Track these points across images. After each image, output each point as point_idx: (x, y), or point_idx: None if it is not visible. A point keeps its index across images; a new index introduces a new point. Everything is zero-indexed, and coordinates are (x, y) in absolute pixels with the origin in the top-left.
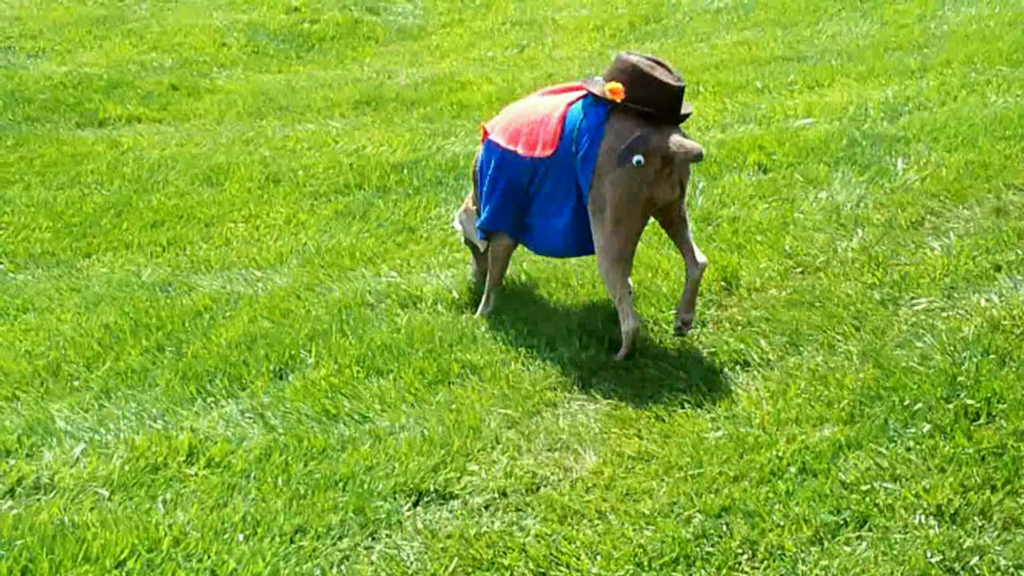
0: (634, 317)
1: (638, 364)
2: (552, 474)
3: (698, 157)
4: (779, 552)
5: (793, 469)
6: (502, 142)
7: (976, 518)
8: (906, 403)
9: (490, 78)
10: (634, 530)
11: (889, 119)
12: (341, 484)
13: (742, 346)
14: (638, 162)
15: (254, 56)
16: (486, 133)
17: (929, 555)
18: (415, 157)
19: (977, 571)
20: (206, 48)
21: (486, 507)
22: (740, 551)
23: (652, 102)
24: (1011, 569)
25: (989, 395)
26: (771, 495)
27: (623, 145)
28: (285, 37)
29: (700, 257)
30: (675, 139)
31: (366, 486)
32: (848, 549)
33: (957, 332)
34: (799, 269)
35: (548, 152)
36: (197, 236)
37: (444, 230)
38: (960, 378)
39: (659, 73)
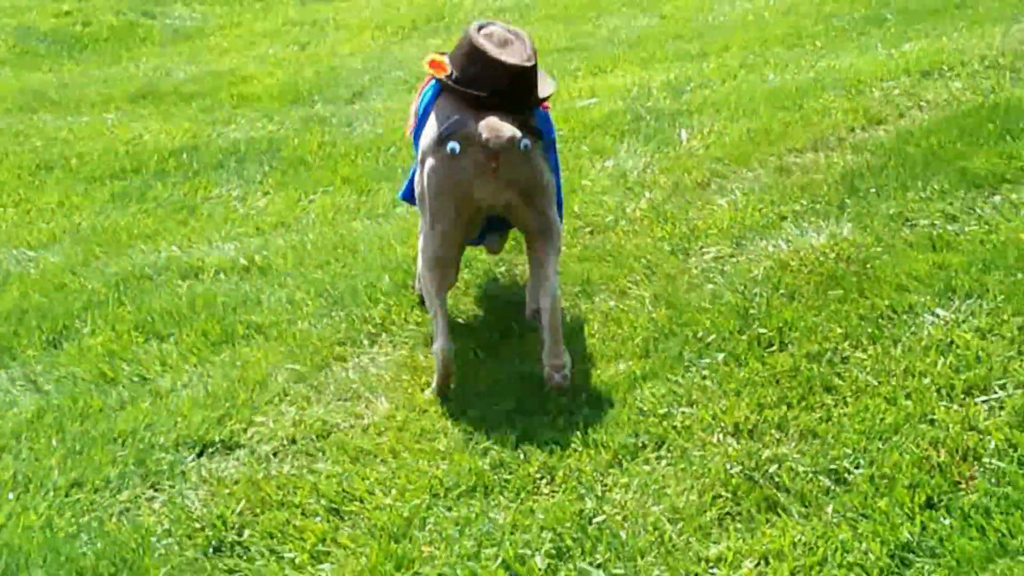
0: (445, 337)
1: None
2: (343, 421)
3: (508, 141)
4: (578, 474)
5: (588, 400)
6: None
7: (773, 432)
8: (699, 336)
9: (272, 72)
10: (429, 464)
11: (672, 97)
12: (120, 440)
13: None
14: (452, 150)
15: (23, 56)
16: None
17: (728, 467)
18: (194, 143)
19: (776, 478)
20: None
21: (274, 454)
22: (538, 476)
23: (482, 83)
24: (809, 474)
25: (781, 324)
26: (568, 425)
27: (439, 129)
28: (56, 39)
29: (551, 283)
30: (489, 122)
31: (147, 441)
32: (647, 468)
33: (747, 273)
34: (588, 229)
35: (408, 129)
36: None
37: (227, 207)
38: (752, 311)
39: (496, 50)
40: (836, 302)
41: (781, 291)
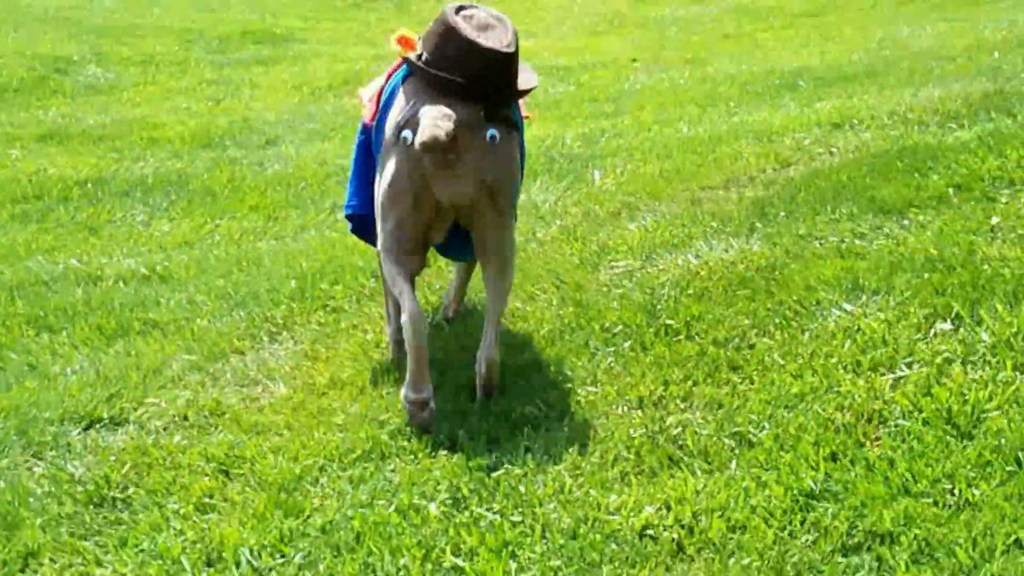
0: (411, 303)
1: (336, 315)
2: (239, 402)
3: (434, 141)
4: (479, 439)
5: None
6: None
7: (678, 402)
8: (606, 327)
9: (184, 121)
10: (325, 434)
11: (586, 145)
12: (2, 415)
13: (440, 300)
14: (405, 140)
15: None
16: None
17: (632, 432)
18: (100, 175)
19: (680, 440)
20: None
21: (165, 428)
22: (438, 442)
23: (454, 67)
24: (714, 436)
25: (688, 318)
26: (470, 402)
27: (397, 118)
28: None
29: (490, 349)
30: (430, 112)
31: (31, 415)
32: (549, 434)
33: (655, 280)
34: None
35: (370, 117)
36: None
37: (131, 229)
38: (659, 308)
39: (474, 32)
40: (744, 300)
41: (690, 292)
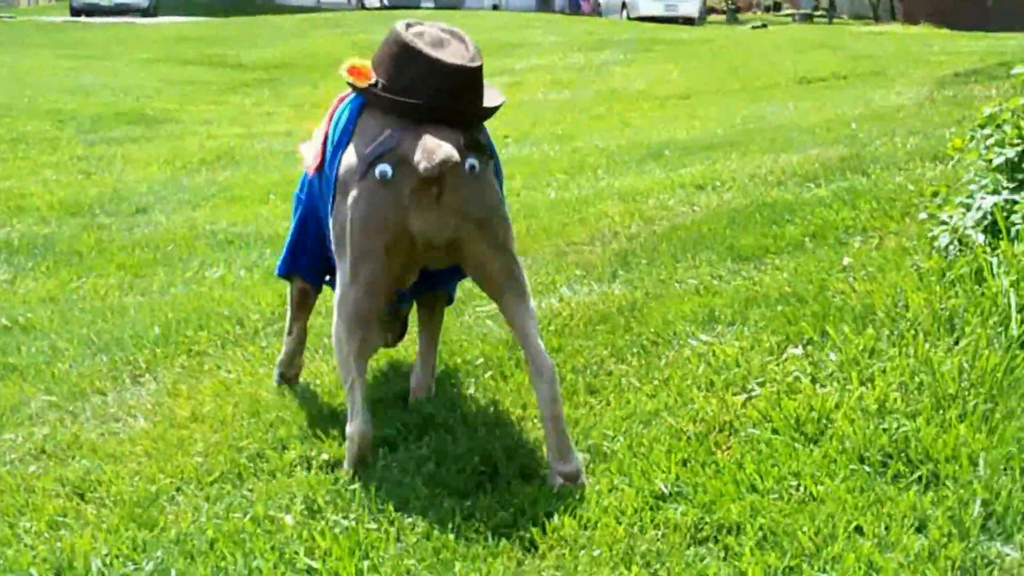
0: (363, 416)
1: (200, 358)
2: (98, 436)
3: (443, 165)
4: (337, 460)
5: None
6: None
7: (536, 422)
8: (468, 360)
9: (53, 191)
10: (184, 459)
11: None
12: None
13: (307, 341)
14: (382, 175)
15: None
16: None
17: (489, 446)
18: None
19: (536, 453)
20: None
21: (20, 460)
22: (295, 463)
23: (416, 89)
24: None
25: (549, 349)
26: (329, 425)
27: (365, 151)
28: None
29: (544, 359)
30: (427, 141)
31: None
32: (407, 451)
33: None
34: None
35: (313, 166)
36: None
37: None
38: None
39: (432, 49)
40: (604, 333)
41: (552, 328)
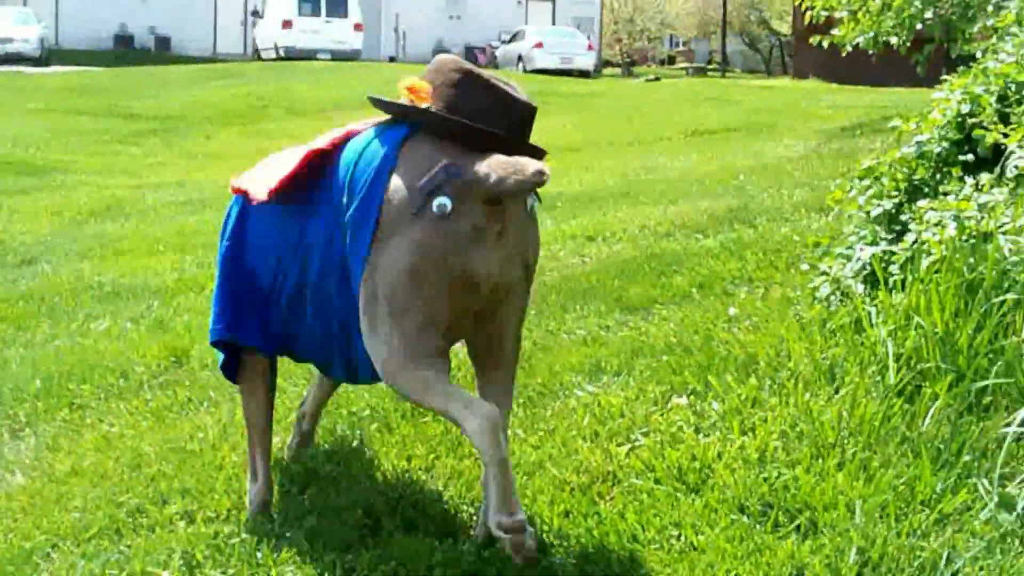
0: (474, 400)
1: (81, 411)
2: None
3: (537, 176)
4: (218, 513)
5: (238, 462)
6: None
7: (420, 473)
8: (354, 412)
9: None
10: (61, 515)
11: None
12: None
13: (191, 395)
14: (440, 208)
15: None
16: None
17: (372, 499)
18: None
19: (418, 505)
20: None
21: None
22: (177, 516)
23: (484, 118)
24: (453, 501)
25: None
26: (209, 477)
27: (422, 179)
28: None
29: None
30: (502, 158)
31: None
32: (290, 503)
33: None
34: None
35: (267, 192)
36: None
37: None
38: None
39: (496, 80)
40: None
41: None
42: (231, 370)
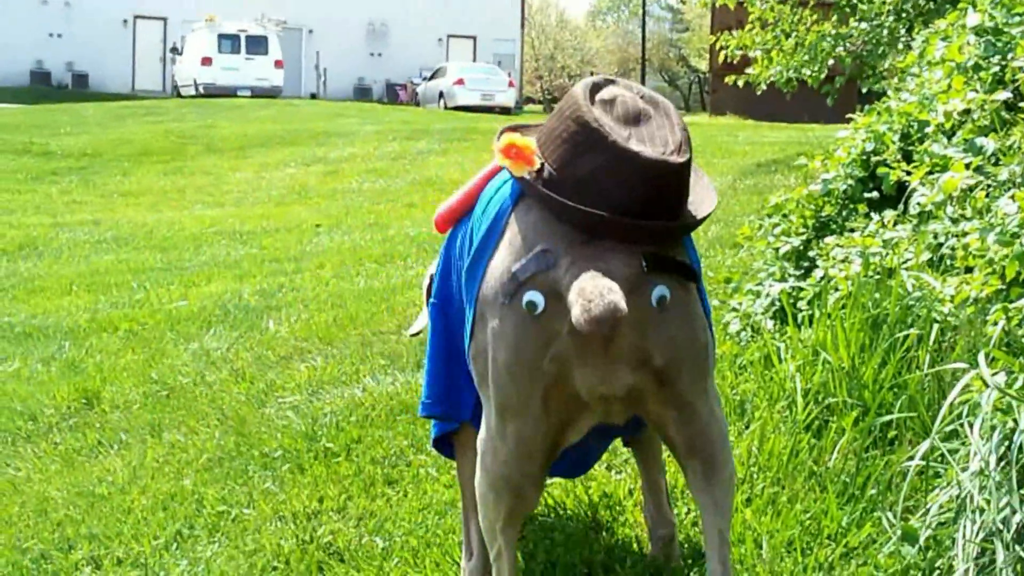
0: None
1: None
2: None
3: (601, 321)
4: (125, 558)
5: (148, 505)
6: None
7: (332, 514)
8: (266, 453)
9: None
10: None
11: (262, 298)
12: None
13: (101, 437)
14: (530, 306)
15: None
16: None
17: (283, 543)
18: None
19: (331, 546)
20: None
21: None
22: (83, 563)
23: (599, 188)
24: (364, 539)
25: (348, 441)
26: (119, 521)
27: (517, 264)
28: None
29: (716, 521)
30: (586, 282)
31: None
32: (200, 549)
33: (320, 411)
34: (165, 392)
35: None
36: None
37: None
38: (320, 433)
39: (624, 130)
40: (405, 423)
41: (352, 419)
42: (443, 443)
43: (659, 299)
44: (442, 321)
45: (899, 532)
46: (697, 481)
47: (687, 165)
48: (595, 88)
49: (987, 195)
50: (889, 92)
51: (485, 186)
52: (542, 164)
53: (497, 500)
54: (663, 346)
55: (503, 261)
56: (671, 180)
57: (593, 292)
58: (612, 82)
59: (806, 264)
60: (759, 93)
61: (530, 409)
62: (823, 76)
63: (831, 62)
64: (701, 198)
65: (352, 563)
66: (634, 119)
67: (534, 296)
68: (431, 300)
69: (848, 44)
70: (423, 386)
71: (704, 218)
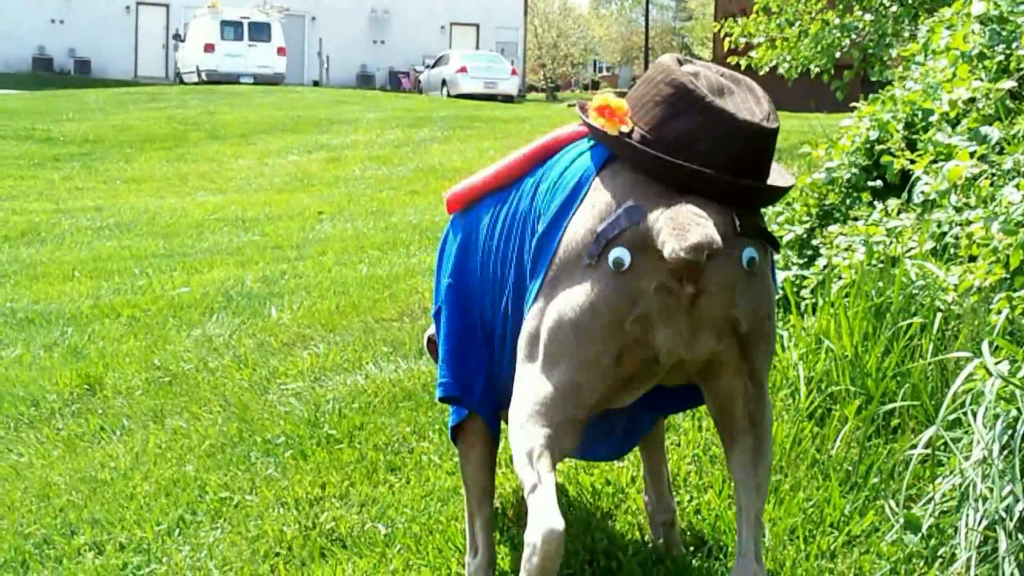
0: (552, 514)
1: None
2: None
3: (706, 249)
4: (131, 544)
5: (150, 491)
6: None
7: (334, 501)
8: (268, 439)
9: None
10: None
11: (265, 284)
12: None
13: (104, 423)
14: (617, 263)
15: None
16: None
17: (285, 529)
18: None
19: (333, 533)
20: None
21: None
22: (86, 547)
23: (695, 150)
24: (367, 525)
25: (351, 428)
26: (121, 507)
27: (603, 223)
28: None
29: (753, 501)
30: (681, 211)
31: None
32: (203, 534)
33: (322, 398)
34: (167, 378)
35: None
36: None
37: None
38: (323, 420)
39: (721, 98)
40: (407, 410)
41: (355, 405)
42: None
43: (749, 260)
44: (459, 301)
45: (902, 520)
46: (745, 459)
47: (776, 132)
48: (680, 62)
49: (991, 184)
50: (894, 81)
51: (524, 165)
52: (633, 127)
53: (536, 429)
54: (748, 312)
55: (584, 224)
56: (764, 143)
57: (687, 220)
58: (690, 61)
59: (810, 252)
60: (763, 77)
61: (597, 367)
62: (832, 70)
63: (837, 55)
64: (777, 174)
65: (354, 549)
66: (719, 90)
67: (620, 252)
68: (446, 279)
69: (854, 36)
70: (440, 367)
71: (790, 187)
